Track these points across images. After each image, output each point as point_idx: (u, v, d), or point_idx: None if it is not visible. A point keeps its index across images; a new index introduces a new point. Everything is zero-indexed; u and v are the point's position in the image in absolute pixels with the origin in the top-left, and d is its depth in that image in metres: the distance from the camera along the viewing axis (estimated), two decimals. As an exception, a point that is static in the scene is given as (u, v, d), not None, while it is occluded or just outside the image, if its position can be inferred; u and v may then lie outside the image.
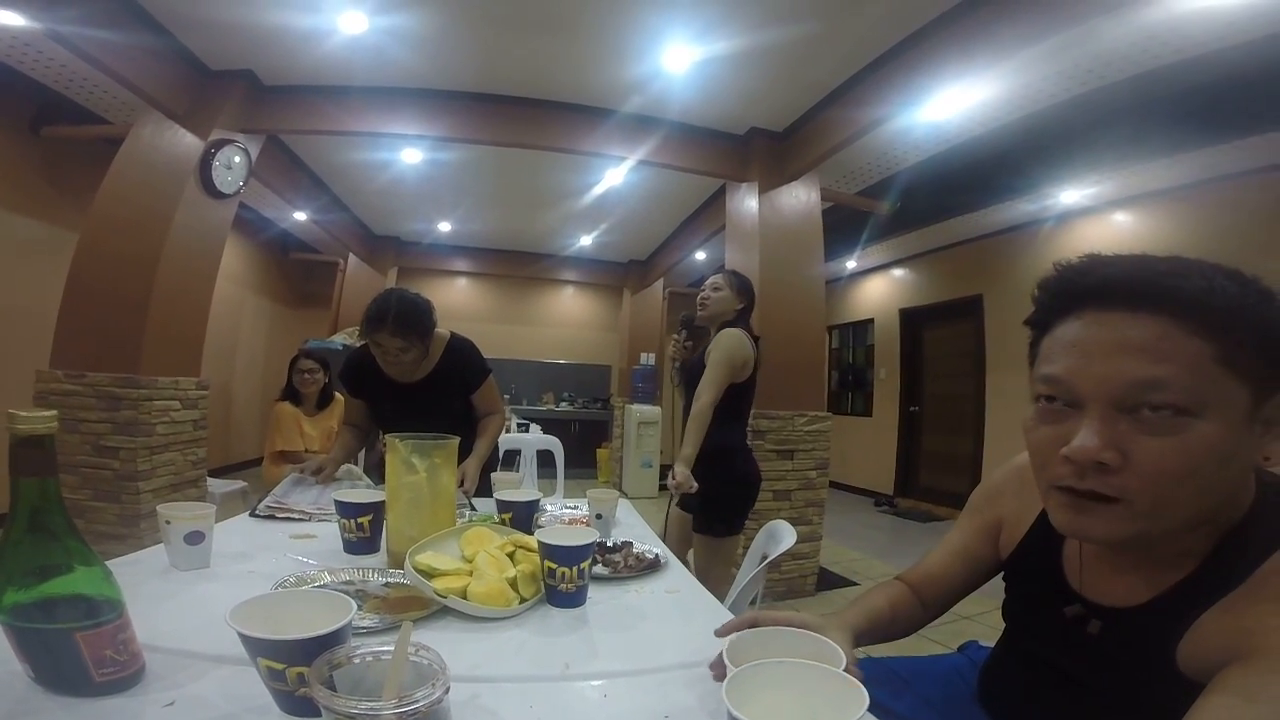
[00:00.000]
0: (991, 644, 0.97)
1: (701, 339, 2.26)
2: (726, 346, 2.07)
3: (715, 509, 2.10)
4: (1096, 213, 4.64)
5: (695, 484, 1.94)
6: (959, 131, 3.65)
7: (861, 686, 0.53)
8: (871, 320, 7.20)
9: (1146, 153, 3.59)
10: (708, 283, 2.21)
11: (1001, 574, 0.87)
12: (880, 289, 7.08)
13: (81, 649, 0.60)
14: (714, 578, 2.02)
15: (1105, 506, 0.56)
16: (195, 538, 1.07)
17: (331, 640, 0.60)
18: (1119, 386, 0.54)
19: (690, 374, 2.20)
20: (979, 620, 3.00)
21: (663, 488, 2.32)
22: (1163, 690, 0.59)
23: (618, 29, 2.89)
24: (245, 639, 0.59)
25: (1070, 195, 4.44)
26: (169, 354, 3.15)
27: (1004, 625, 0.87)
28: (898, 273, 6.80)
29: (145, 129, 3.20)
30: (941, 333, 6.27)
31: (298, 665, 0.58)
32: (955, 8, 2.55)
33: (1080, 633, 0.69)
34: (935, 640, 2.71)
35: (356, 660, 0.56)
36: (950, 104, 3.23)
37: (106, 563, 0.65)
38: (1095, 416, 0.55)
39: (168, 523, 1.05)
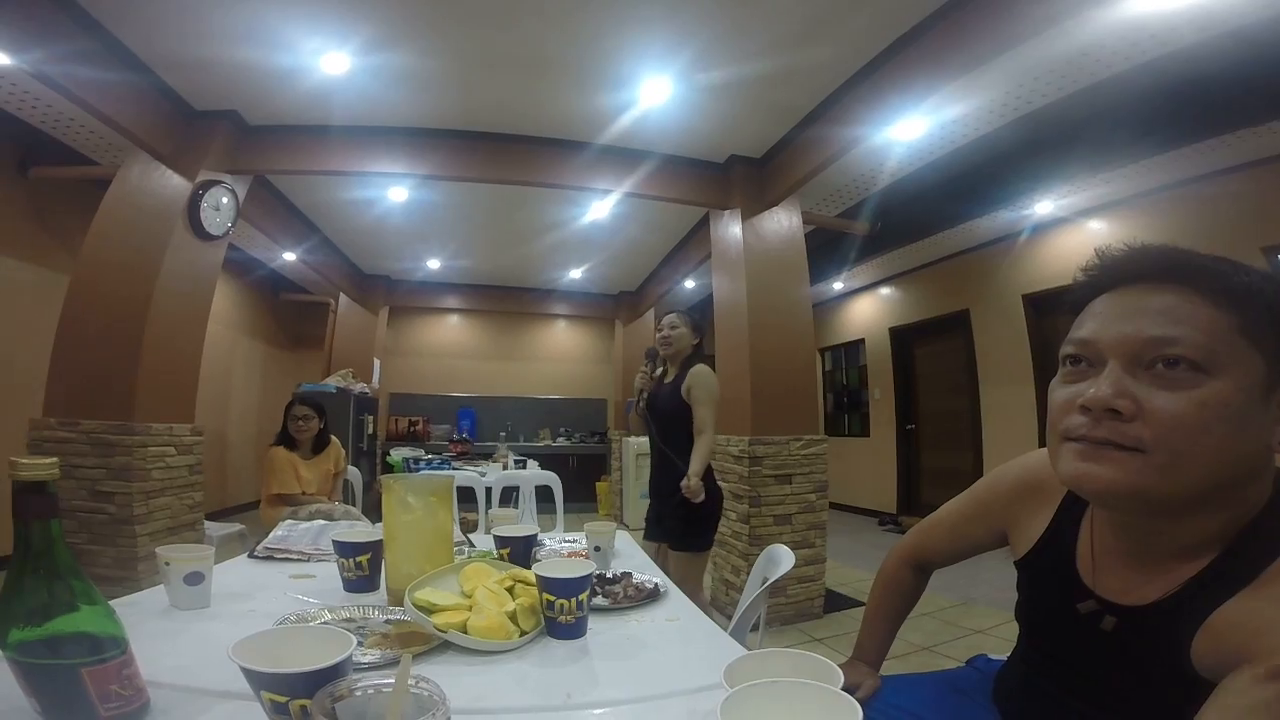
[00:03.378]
0: (1002, 657, 0.98)
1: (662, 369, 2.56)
2: (709, 384, 2.36)
3: (696, 528, 2.33)
4: (1071, 222, 4.74)
5: (701, 493, 2.24)
6: (931, 149, 3.74)
7: (854, 701, 0.54)
8: (862, 340, 7.25)
9: (1113, 160, 3.70)
10: (666, 321, 2.49)
11: (1015, 578, 0.88)
12: (869, 309, 7.15)
13: (87, 684, 0.61)
14: (688, 591, 2.13)
15: (1121, 453, 0.57)
16: (195, 578, 1.07)
17: (333, 673, 0.60)
18: (1136, 343, 0.57)
19: (657, 402, 2.47)
20: (992, 634, 2.99)
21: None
22: (1176, 688, 0.59)
23: (597, 65, 2.97)
24: (248, 672, 0.60)
25: (1045, 206, 4.55)
26: (162, 400, 3.14)
27: (1017, 632, 0.88)
28: (884, 291, 6.88)
29: (133, 170, 3.21)
30: (932, 349, 6.32)
31: (300, 698, 0.58)
32: (914, 28, 2.64)
33: (1094, 629, 0.69)
34: (951, 658, 2.70)
35: (358, 693, 0.56)
36: (920, 123, 3.32)
37: (108, 602, 0.67)
38: (1113, 369, 0.58)
39: (167, 564, 1.06)
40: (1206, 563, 0.60)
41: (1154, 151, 3.49)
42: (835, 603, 3.60)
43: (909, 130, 3.39)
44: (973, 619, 3.24)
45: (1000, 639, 2.87)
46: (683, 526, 2.33)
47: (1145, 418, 0.56)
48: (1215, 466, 0.56)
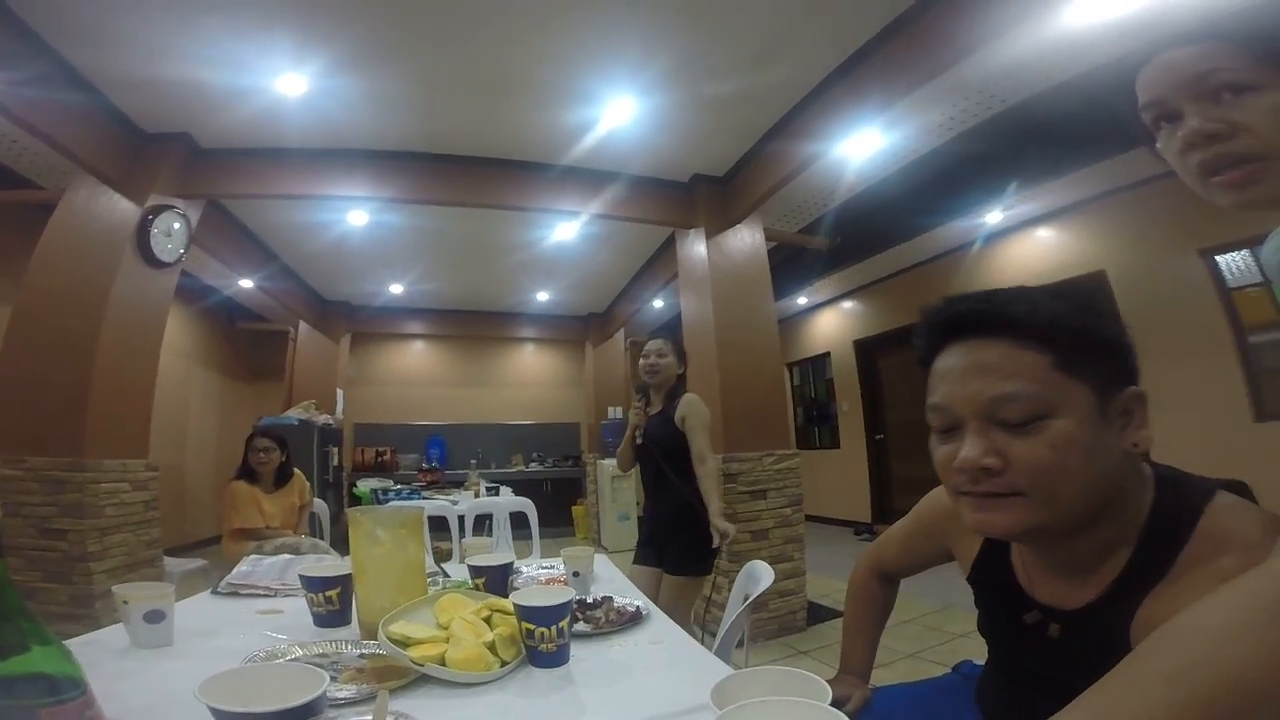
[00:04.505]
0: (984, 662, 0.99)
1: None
2: (703, 412, 2.34)
3: (693, 553, 2.27)
4: (1019, 231, 4.93)
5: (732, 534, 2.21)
6: (886, 164, 3.86)
7: (843, 716, 0.54)
8: (828, 354, 7.38)
9: (1057, 168, 3.85)
10: (652, 349, 2.43)
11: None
12: (832, 322, 7.29)
13: (48, 727, 0.57)
14: (679, 616, 2.14)
15: (1009, 500, 0.63)
16: (155, 616, 1.04)
17: (307, 711, 0.58)
18: (982, 403, 0.63)
19: (650, 432, 2.40)
20: (974, 638, 3.01)
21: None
22: None
23: (561, 86, 2.99)
24: (217, 713, 0.57)
25: (994, 216, 4.72)
26: (114, 435, 3.01)
27: None
28: (847, 305, 7.02)
29: (78, 194, 3.09)
30: (895, 360, 6.45)
31: None
32: (863, 47, 2.74)
33: (1043, 637, 0.73)
34: (937, 663, 2.72)
35: None
36: (875, 138, 3.43)
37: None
38: (973, 431, 0.64)
39: (125, 602, 1.03)
40: (1124, 563, 0.65)
41: (1094, 159, 3.65)
42: (818, 614, 3.60)
43: (864, 146, 3.49)
44: (955, 623, 3.27)
45: (982, 643, 2.88)
46: (686, 551, 2.28)
47: (1013, 466, 0.62)
48: (1088, 489, 0.62)
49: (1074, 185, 4.20)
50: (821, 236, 4.79)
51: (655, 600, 2.25)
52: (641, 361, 2.44)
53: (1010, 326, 0.64)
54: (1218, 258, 3.76)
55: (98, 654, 0.99)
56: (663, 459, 2.34)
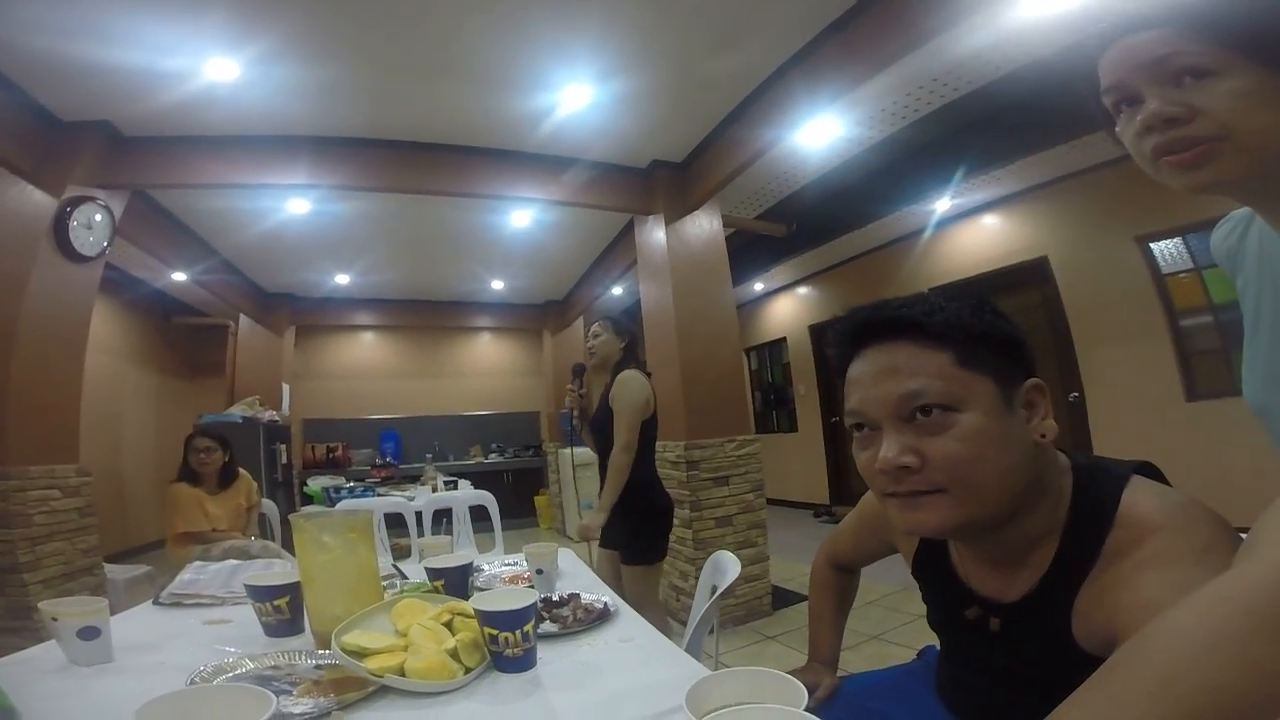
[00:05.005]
0: None
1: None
2: (630, 390, 2.24)
3: (642, 539, 2.26)
4: (967, 217, 5.07)
5: (598, 536, 2.23)
6: (840, 152, 3.89)
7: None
8: (784, 339, 7.47)
9: (1001, 158, 3.97)
10: (590, 331, 2.42)
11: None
12: (789, 308, 7.38)
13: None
14: (648, 605, 2.16)
15: (933, 498, 0.65)
16: (89, 633, 0.97)
17: (254, 746, 0.53)
18: (893, 403, 0.66)
19: (595, 419, 2.38)
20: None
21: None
22: (1076, 669, 0.63)
23: (512, 72, 2.89)
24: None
25: (943, 204, 4.83)
26: (39, 440, 2.81)
27: None
28: (802, 290, 7.12)
29: None
30: (850, 344, 6.59)
31: None
32: (819, 34, 2.74)
33: (985, 631, 0.75)
34: (899, 644, 2.79)
35: None
36: (830, 125, 3.45)
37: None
38: (889, 431, 0.66)
39: (54, 620, 0.96)
40: (1052, 554, 0.67)
41: (1039, 148, 3.77)
42: (783, 599, 3.66)
43: (819, 133, 3.51)
44: (916, 605, 3.31)
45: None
46: (630, 540, 2.25)
47: (930, 463, 0.64)
48: (1005, 479, 0.64)
49: (1019, 173, 4.34)
50: (779, 223, 4.82)
51: (618, 580, 2.24)
52: (586, 345, 2.44)
53: (912, 328, 0.67)
54: (1152, 245, 3.94)
55: (31, 674, 0.93)
56: (600, 440, 2.33)
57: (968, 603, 0.77)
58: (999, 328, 0.67)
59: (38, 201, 2.91)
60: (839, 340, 0.74)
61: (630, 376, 2.28)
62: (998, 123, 3.51)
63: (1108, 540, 0.62)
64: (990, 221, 4.97)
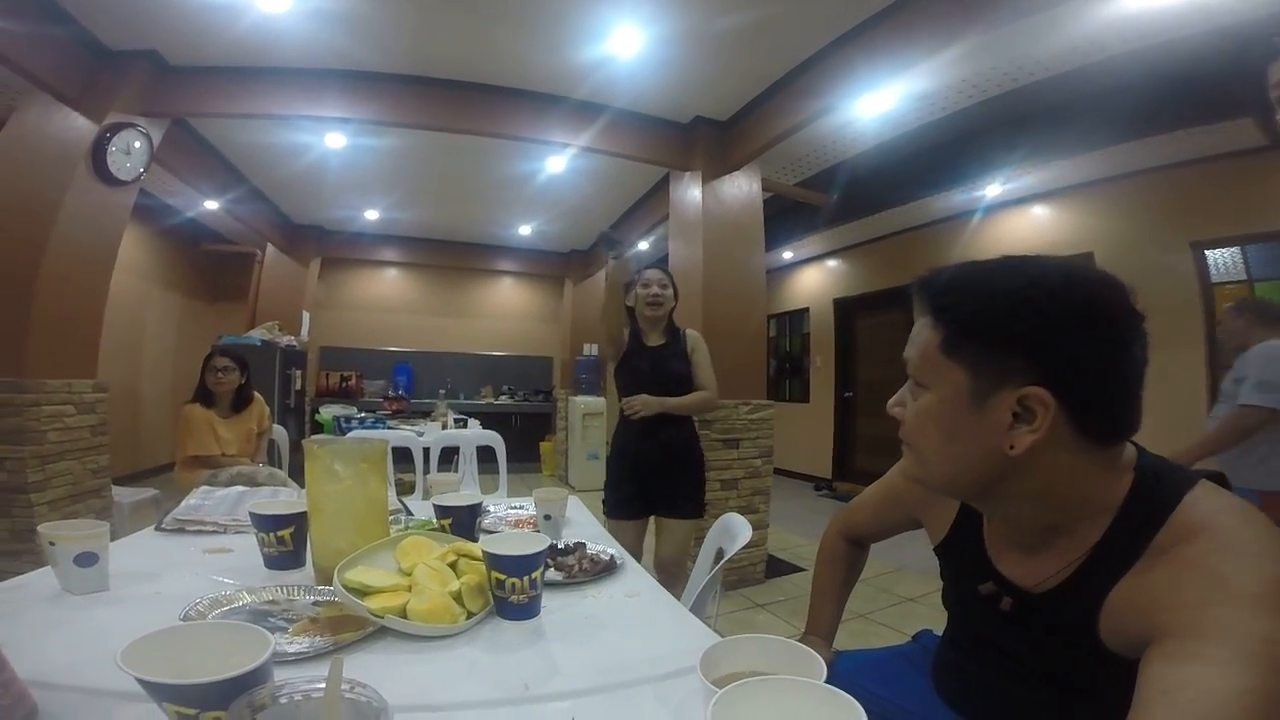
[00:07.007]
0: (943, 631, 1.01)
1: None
2: (707, 350, 2.34)
3: (697, 492, 2.29)
4: (1015, 205, 4.88)
5: (652, 413, 2.19)
6: (894, 126, 3.74)
7: (854, 702, 0.50)
8: (807, 309, 7.35)
9: (1061, 149, 3.79)
10: (654, 279, 2.28)
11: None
12: (815, 279, 7.24)
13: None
14: (684, 562, 2.22)
15: (905, 449, 0.74)
16: (87, 559, 0.94)
17: (251, 680, 0.52)
18: (904, 363, 0.72)
19: (662, 364, 2.27)
20: (923, 602, 3.11)
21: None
22: (1088, 662, 0.64)
23: (562, 11, 2.78)
24: (146, 684, 0.51)
25: (994, 189, 4.64)
26: (59, 353, 2.85)
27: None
28: (831, 263, 6.96)
29: (30, 112, 2.92)
30: (873, 321, 6.46)
31: (212, 710, 0.50)
32: (890, 5, 2.59)
33: (996, 609, 0.75)
34: (885, 625, 2.80)
35: (283, 699, 0.49)
36: (886, 98, 3.30)
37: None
38: (907, 385, 0.73)
39: (52, 544, 0.93)
40: (1092, 549, 0.65)
41: (1106, 143, 3.60)
42: (776, 568, 3.68)
43: (874, 105, 3.36)
44: (906, 586, 3.36)
45: (931, 608, 2.97)
46: (692, 491, 2.26)
47: (903, 421, 0.72)
48: (946, 465, 0.68)
49: (1074, 166, 4.14)
50: (819, 192, 4.67)
51: (638, 551, 2.23)
52: (642, 290, 2.27)
53: (928, 306, 0.70)
54: (1208, 252, 3.79)
55: (24, 601, 0.90)
56: (672, 393, 2.25)
57: (986, 578, 0.76)
58: (1015, 330, 0.62)
59: (79, 126, 2.94)
60: (915, 296, 0.75)
61: (701, 337, 2.36)
62: (1064, 114, 3.35)
63: (1154, 540, 0.60)
64: (1039, 212, 4.78)
